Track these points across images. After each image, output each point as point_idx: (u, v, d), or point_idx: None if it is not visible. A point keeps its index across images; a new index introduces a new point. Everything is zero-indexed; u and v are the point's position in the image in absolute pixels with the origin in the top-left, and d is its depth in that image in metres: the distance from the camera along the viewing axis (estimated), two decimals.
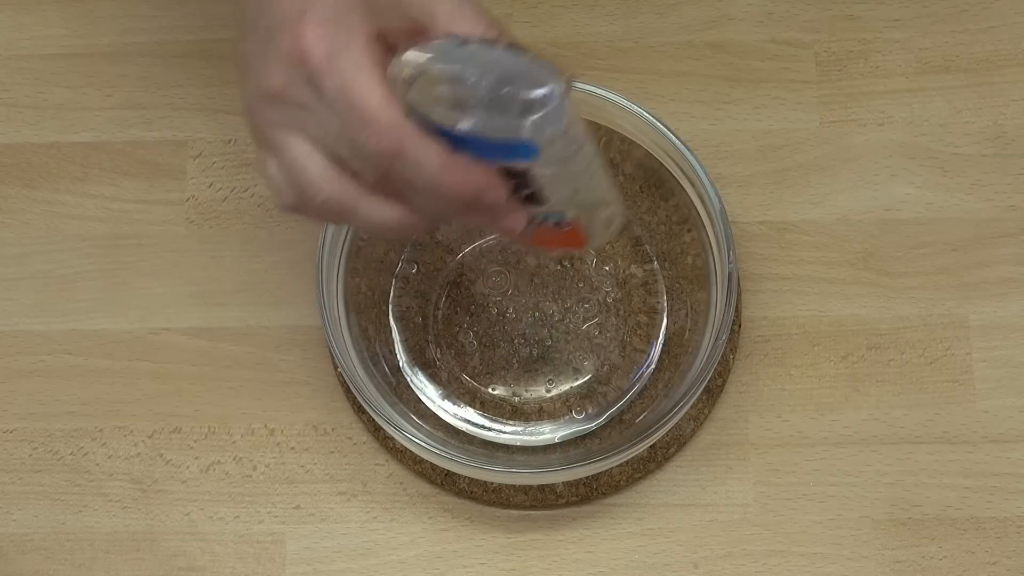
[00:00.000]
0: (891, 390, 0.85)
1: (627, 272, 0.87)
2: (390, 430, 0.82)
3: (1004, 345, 0.86)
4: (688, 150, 0.83)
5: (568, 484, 0.84)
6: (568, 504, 0.84)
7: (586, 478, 0.83)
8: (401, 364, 0.86)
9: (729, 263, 0.81)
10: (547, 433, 0.85)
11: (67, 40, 0.92)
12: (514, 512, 0.84)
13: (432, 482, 0.84)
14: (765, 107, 0.90)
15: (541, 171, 0.66)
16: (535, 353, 0.86)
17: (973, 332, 0.86)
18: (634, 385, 0.85)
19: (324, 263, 0.82)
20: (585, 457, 0.81)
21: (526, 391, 0.85)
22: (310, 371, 0.86)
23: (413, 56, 0.65)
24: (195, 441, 0.86)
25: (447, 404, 0.85)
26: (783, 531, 0.84)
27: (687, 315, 0.86)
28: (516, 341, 0.86)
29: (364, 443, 0.85)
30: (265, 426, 0.86)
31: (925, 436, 0.85)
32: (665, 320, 0.86)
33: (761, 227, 0.88)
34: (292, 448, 0.85)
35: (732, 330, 0.84)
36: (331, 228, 0.83)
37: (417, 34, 0.66)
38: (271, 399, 0.86)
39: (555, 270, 0.87)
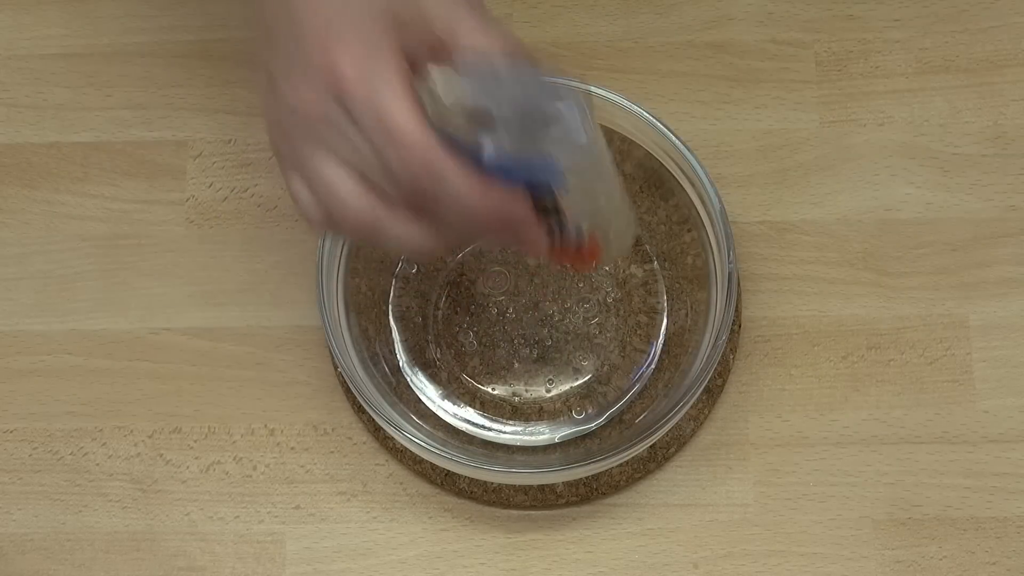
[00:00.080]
0: (891, 390, 0.85)
1: (627, 272, 0.87)
2: (390, 430, 0.82)
3: (1004, 345, 0.86)
4: (688, 150, 0.83)
5: (568, 484, 0.84)
6: (568, 504, 0.84)
7: (586, 478, 0.83)
8: (401, 364, 0.86)
9: (729, 263, 0.81)
10: (547, 433, 0.85)
11: (67, 40, 0.92)
12: (514, 512, 0.84)
13: (432, 482, 0.84)
14: (765, 107, 0.90)
15: (563, 187, 0.67)
16: (535, 353, 0.86)
17: (973, 332, 0.86)
18: (634, 385, 0.85)
19: (324, 263, 0.82)
20: (585, 457, 0.81)
21: (526, 391, 0.85)
22: (310, 371, 0.86)
23: (440, 77, 0.65)
24: (195, 441, 0.86)
25: (447, 404, 0.85)
26: (783, 531, 0.84)
27: (687, 315, 0.86)
28: (516, 341, 0.86)
29: (364, 443, 0.85)
30: (265, 426, 0.86)
31: (925, 436, 0.85)
32: (665, 320, 0.86)
33: (761, 227, 0.88)
34: (292, 448, 0.85)
35: (732, 330, 0.84)
36: None
37: (439, 50, 0.66)
38: (271, 399, 0.86)
39: (555, 270, 0.87)
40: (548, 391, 0.85)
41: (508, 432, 0.85)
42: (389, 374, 0.85)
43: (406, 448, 0.83)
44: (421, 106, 0.65)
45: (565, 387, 0.85)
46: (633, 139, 0.85)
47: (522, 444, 0.85)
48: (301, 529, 0.84)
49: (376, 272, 0.87)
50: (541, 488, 0.84)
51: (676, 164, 0.84)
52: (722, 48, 0.91)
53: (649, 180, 0.87)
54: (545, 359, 0.86)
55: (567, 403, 0.85)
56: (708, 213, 0.83)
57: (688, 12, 0.91)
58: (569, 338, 0.86)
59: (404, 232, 0.67)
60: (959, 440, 0.84)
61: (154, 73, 0.91)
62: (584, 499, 0.84)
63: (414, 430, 0.81)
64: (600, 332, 0.86)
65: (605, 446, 0.83)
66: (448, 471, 0.84)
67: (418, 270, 0.87)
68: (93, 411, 0.86)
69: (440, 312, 0.87)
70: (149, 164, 0.90)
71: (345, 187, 0.67)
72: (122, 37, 0.92)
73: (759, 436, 0.85)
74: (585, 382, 0.85)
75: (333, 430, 0.86)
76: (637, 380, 0.85)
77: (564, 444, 0.84)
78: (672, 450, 0.84)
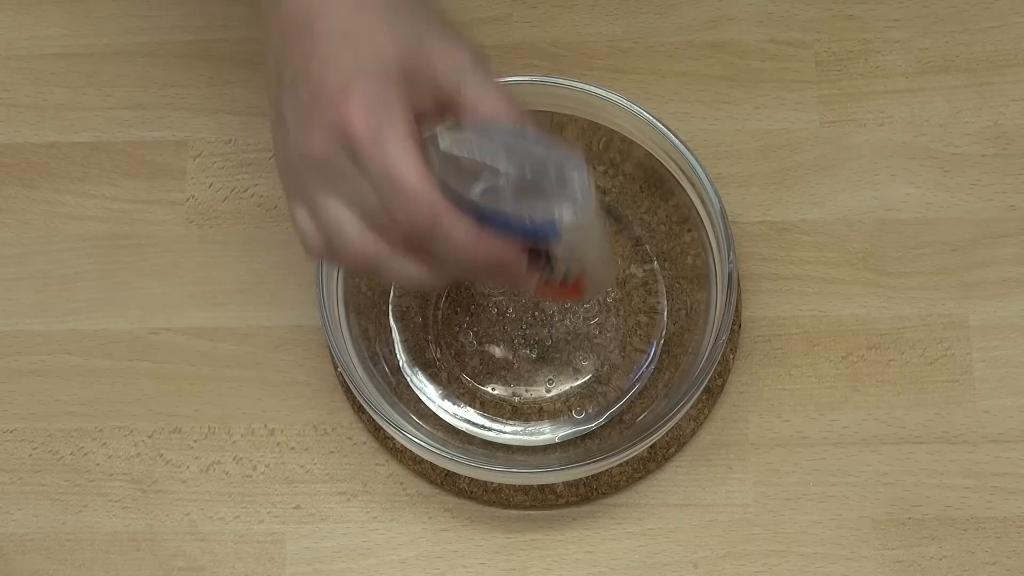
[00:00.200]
0: (891, 390, 0.85)
1: (627, 272, 0.87)
2: (390, 430, 0.82)
3: (1004, 345, 0.86)
4: (688, 150, 0.83)
5: (568, 484, 0.83)
6: (568, 504, 0.84)
7: (586, 478, 0.83)
8: (401, 364, 0.86)
9: (729, 263, 0.81)
10: (547, 433, 0.85)
11: (67, 40, 0.92)
12: (514, 512, 0.84)
13: (432, 482, 0.84)
14: (765, 107, 0.90)
15: (557, 243, 0.71)
16: (535, 353, 0.86)
17: (973, 332, 0.86)
18: (634, 385, 0.85)
19: (324, 263, 0.82)
20: (585, 457, 0.81)
21: (526, 391, 0.85)
22: (310, 371, 0.86)
23: (446, 137, 0.68)
24: (195, 441, 0.86)
25: (447, 404, 0.85)
26: (783, 531, 0.84)
27: (687, 315, 0.86)
28: (516, 341, 0.86)
29: (364, 443, 0.85)
30: (265, 426, 0.86)
31: (925, 436, 0.85)
32: (665, 320, 0.86)
33: (761, 227, 0.88)
34: (292, 448, 0.85)
35: (732, 330, 0.84)
36: None
37: (446, 104, 0.69)
38: (271, 399, 0.86)
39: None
40: (548, 391, 0.85)
41: (508, 432, 0.85)
42: (389, 374, 0.85)
43: (406, 448, 0.83)
44: (426, 159, 0.68)
45: (565, 387, 0.85)
46: (633, 139, 0.85)
47: (522, 444, 0.85)
48: (301, 529, 0.84)
49: None
50: (541, 488, 0.84)
51: (676, 164, 0.84)
52: (722, 48, 0.91)
53: (649, 180, 0.87)
54: (545, 359, 0.86)
55: (567, 403, 0.85)
56: (708, 213, 0.83)
57: (688, 12, 0.91)
58: (569, 338, 0.86)
59: (402, 269, 0.70)
60: (959, 440, 0.84)
61: (154, 73, 0.91)
62: (584, 499, 0.84)
63: (414, 430, 0.81)
64: (600, 332, 0.86)
65: (605, 446, 0.83)
66: (448, 471, 0.84)
67: None
68: (93, 411, 0.86)
69: (440, 312, 0.87)
70: (149, 164, 0.90)
71: (350, 226, 0.69)
72: (122, 37, 0.92)
73: (759, 436, 0.85)
74: (585, 382, 0.85)
75: (333, 430, 0.86)
76: (637, 380, 0.85)
77: (564, 444, 0.85)
78: (672, 450, 0.84)
